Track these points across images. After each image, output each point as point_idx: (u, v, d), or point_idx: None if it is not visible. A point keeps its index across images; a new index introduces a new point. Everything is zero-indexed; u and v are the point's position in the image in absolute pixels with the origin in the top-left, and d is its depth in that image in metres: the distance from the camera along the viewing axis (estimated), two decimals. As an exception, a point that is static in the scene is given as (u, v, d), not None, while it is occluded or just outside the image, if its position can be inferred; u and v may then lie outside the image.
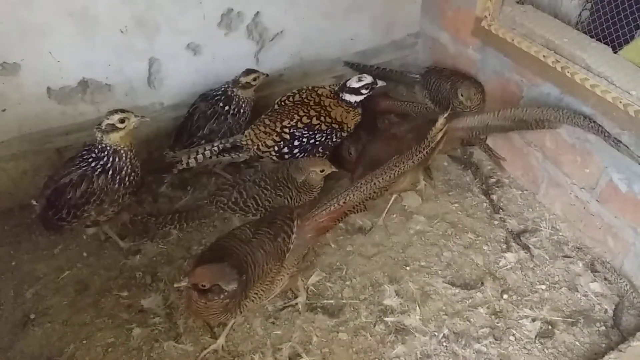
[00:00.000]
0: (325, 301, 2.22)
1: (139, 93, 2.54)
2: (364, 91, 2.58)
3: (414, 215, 2.59)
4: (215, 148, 2.47)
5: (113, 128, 2.11)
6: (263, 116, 2.58)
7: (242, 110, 2.59)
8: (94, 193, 2.13)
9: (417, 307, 2.18)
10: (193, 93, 2.64)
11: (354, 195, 2.00)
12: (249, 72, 2.55)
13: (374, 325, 2.14)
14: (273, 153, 2.50)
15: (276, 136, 2.49)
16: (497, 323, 2.15)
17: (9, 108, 2.27)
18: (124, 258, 2.36)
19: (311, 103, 2.55)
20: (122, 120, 2.11)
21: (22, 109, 2.29)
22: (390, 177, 2.05)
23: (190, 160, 2.45)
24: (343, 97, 2.58)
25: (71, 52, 2.26)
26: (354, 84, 2.57)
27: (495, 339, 2.10)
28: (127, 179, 2.19)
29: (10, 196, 2.46)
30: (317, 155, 2.56)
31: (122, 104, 2.48)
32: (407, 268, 2.36)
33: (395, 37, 3.08)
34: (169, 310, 2.15)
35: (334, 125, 2.54)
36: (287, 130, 2.50)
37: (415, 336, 2.10)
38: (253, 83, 2.56)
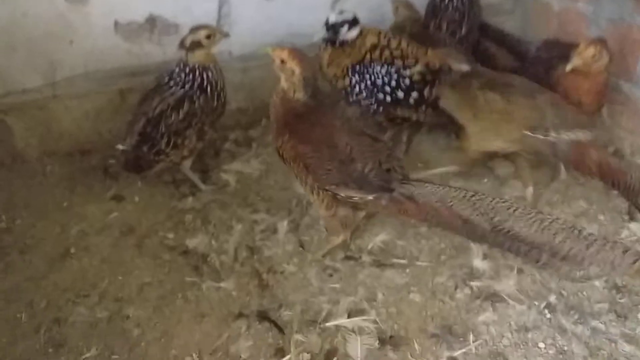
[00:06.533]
0: (395, 260, 1.85)
1: (208, 38, 2.41)
2: None
3: (509, 181, 2.17)
4: None
5: (198, 45, 2.02)
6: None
7: None
8: (196, 114, 2.04)
9: (513, 273, 1.74)
10: (264, 44, 2.47)
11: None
12: None
13: (456, 289, 1.72)
14: None
15: None
16: (620, 299, 1.66)
17: (77, 40, 2.22)
18: (176, 201, 2.16)
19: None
20: (208, 36, 2.02)
21: (88, 43, 2.23)
22: None
23: None
24: None
25: (140, -18, 2.19)
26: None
27: (618, 316, 1.61)
28: (222, 93, 2.10)
29: (71, 138, 2.37)
30: None
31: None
32: (500, 233, 1.93)
33: (489, 0, 2.76)
34: (213, 253, 1.89)
35: None
36: None
37: (509, 304, 1.66)
38: None
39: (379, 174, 1.63)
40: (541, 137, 1.84)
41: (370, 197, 1.63)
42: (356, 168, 1.63)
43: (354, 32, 2.12)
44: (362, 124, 1.76)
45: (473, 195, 1.51)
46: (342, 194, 1.65)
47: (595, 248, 1.31)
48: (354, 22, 2.12)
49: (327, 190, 1.68)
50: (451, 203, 1.51)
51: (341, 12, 2.12)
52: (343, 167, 1.63)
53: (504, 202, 1.48)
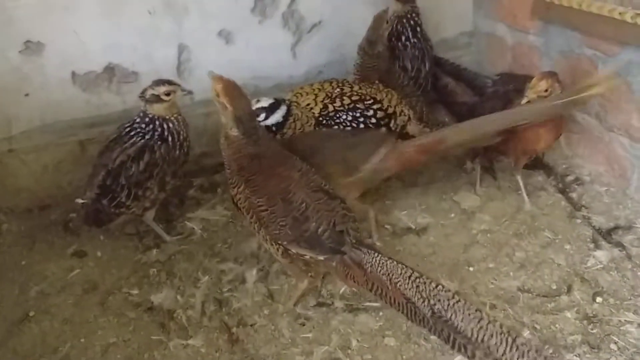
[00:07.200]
0: (368, 303, 1.82)
1: (168, 84, 2.38)
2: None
3: (476, 215, 2.19)
4: None
5: (157, 99, 1.98)
6: None
7: None
8: (157, 164, 1.99)
9: (486, 308, 1.74)
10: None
11: (453, 134, 1.94)
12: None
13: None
14: None
15: None
16: (592, 330, 1.67)
17: (32, 92, 2.16)
18: (140, 254, 2.09)
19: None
20: (167, 94, 1.99)
21: (45, 94, 2.18)
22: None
23: None
24: None
25: (97, 33, 2.16)
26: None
27: (592, 348, 1.61)
28: (184, 143, 2.06)
29: (29, 194, 2.29)
30: None
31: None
32: (471, 269, 1.94)
33: (445, 35, 2.84)
34: (180, 308, 1.83)
35: None
36: None
37: (484, 342, 1.64)
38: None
39: (331, 235, 1.59)
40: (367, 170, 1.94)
41: (321, 258, 1.61)
42: (309, 227, 1.59)
43: (277, 116, 2.05)
44: (320, 178, 1.71)
45: (419, 277, 1.47)
46: (294, 250, 1.63)
47: (526, 359, 1.30)
48: (271, 107, 2.05)
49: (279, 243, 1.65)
50: (397, 280, 1.48)
51: (258, 101, 2.04)
52: (296, 224, 1.59)
53: (447, 290, 1.44)
